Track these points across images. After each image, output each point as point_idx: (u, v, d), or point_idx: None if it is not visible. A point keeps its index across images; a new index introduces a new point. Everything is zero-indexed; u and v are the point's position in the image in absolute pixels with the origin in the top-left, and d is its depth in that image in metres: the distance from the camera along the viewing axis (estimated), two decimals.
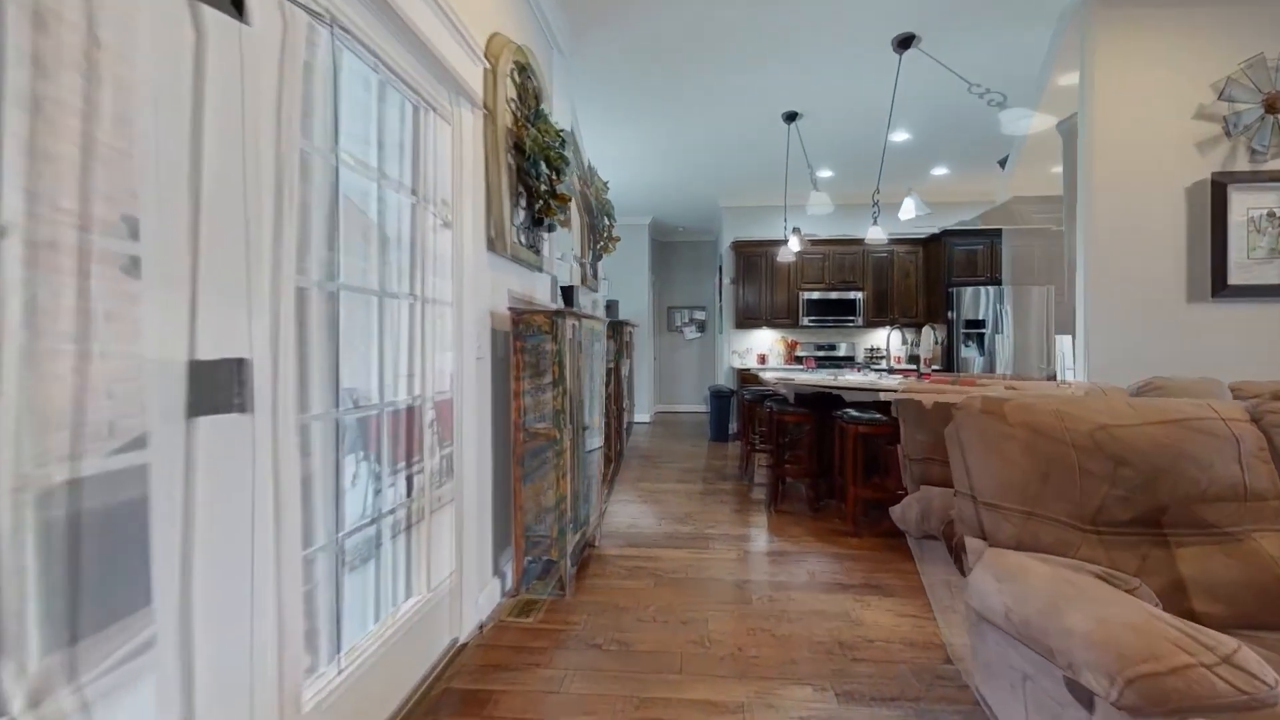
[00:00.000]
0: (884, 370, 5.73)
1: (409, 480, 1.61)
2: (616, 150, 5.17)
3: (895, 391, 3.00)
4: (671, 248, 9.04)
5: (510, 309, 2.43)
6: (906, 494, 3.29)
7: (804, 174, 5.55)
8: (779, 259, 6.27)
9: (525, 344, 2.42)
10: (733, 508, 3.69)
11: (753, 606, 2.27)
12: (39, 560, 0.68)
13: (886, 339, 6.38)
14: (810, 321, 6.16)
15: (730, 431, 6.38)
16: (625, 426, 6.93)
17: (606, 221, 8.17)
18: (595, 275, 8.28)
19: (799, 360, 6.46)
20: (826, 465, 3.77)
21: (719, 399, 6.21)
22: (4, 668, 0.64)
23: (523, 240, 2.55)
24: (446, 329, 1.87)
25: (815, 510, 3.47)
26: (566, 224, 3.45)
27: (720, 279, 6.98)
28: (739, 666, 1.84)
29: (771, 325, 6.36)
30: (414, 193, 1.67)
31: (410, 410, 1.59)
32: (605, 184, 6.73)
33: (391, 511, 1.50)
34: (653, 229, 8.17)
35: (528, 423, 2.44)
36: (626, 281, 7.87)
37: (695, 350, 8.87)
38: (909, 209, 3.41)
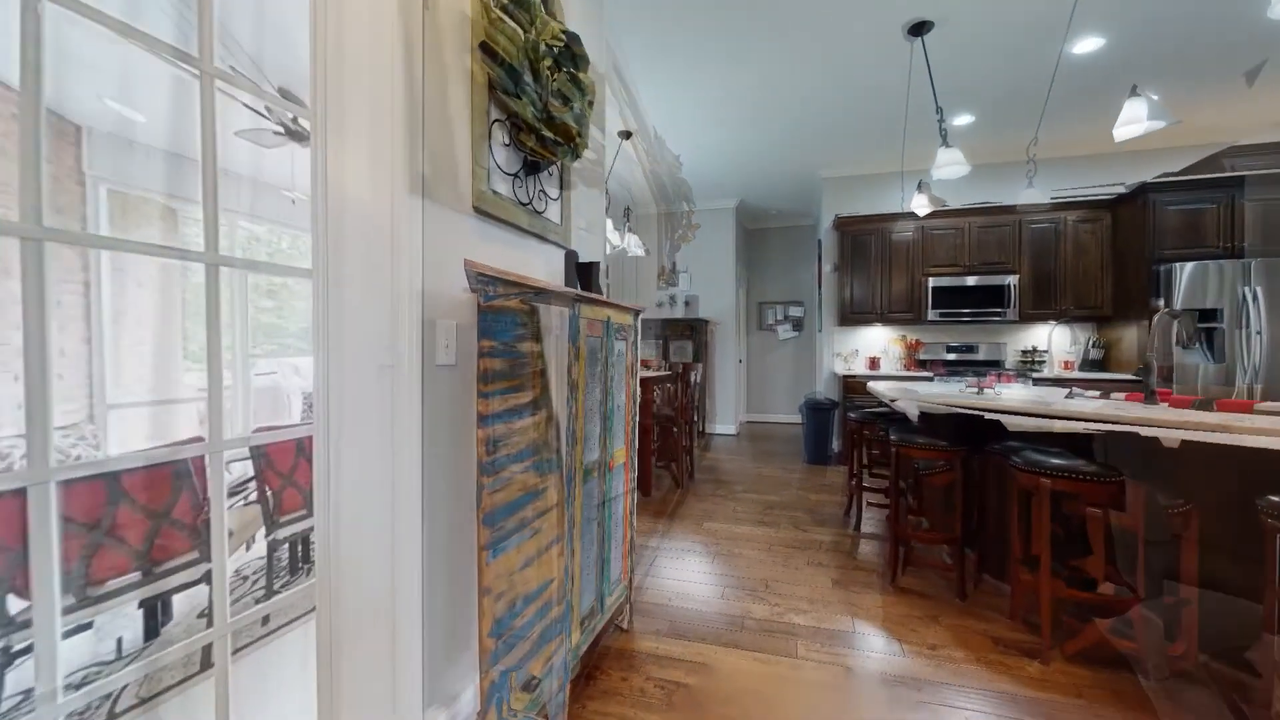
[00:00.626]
0: (1049, 380, 4.26)
1: (158, 605, 0.83)
2: (688, 115, 4.24)
3: (1115, 422, 1.79)
4: (763, 235, 7.91)
5: (473, 290, 1.61)
6: (1133, 596, 2.02)
7: (930, 124, 4.25)
8: (896, 236, 4.99)
9: (494, 343, 1.60)
10: (831, 574, 2.62)
11: None
12: None
13: (1048, 338, 4.84)
14: (939, 315, 4.80)
15: (831, 451, 5.18)
16: (697, 442, 5.94)
17: (686, 207, 7.26)
18: (673, 268, 7.40)
19: (922, 365, 5.10)
20: (977, 524, 2.57)
21: (817, 413, 5.04)
22: None
23: (500, 191, 1.74)
24: (299, 317, 1.10)
25: (963, 596, 2.30)
26: (598, 187, 2.61)
27: (820, 267, 5.79)
28: None
29: (886, 321, 5.07)
30: (193, 62, 0.89)
31: (158, 471, 0.83)
32: (678, 160, 5.83)
33: (78, 684, 0.73)
34: (740, 214, 7.12)
35: (498, 463, 1.61)
36: (709, 274, 6.91)
37: (790, 352, 7.67)
38: (1135, 118, 2.10)
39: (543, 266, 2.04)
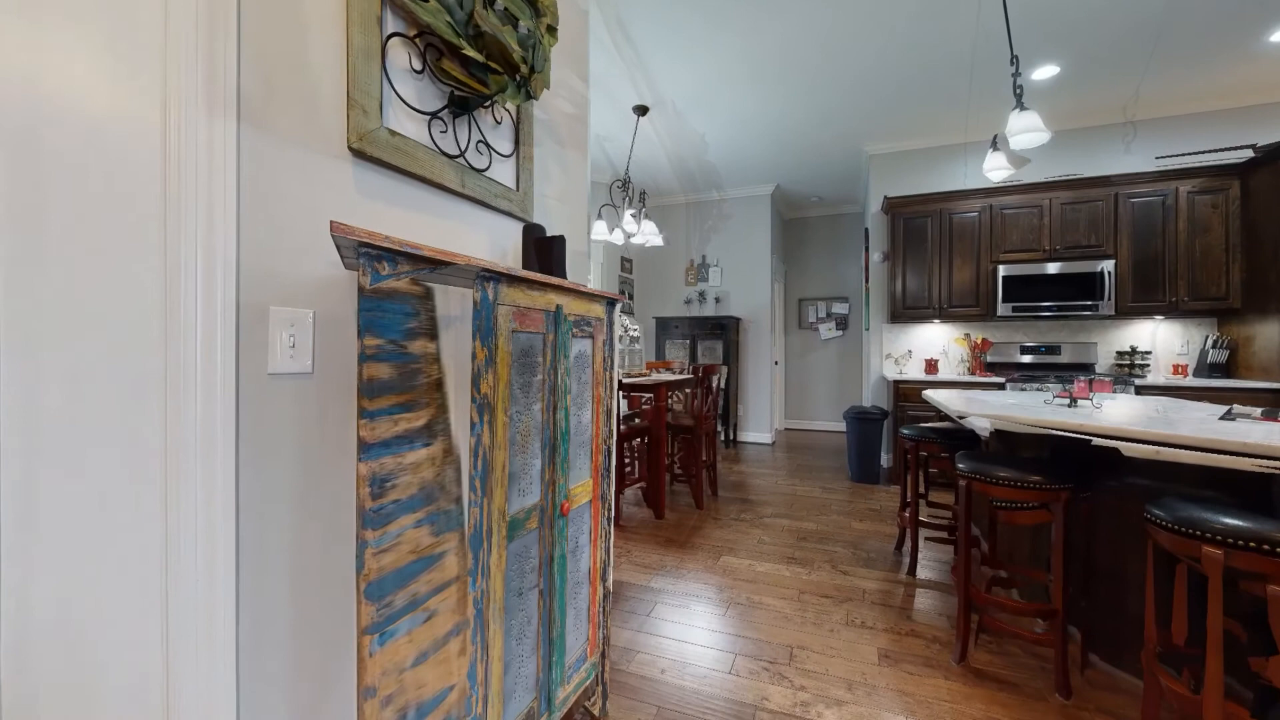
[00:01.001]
0: (1156, 388, 3.47)
1: None
2: (711, 84, 3.69)
3: None
4: (803, 225, 7.23)
5: (348, 265, 1.15)
6: None
7: (1000, 81, 3.55)
8: (959, 217, 4.26)
9: (381, 341, 1.13)
10: (878, 642, 2.02)
11: None
12: None
13: (1152, 336, 4.01)
14: (1012, 310, 4.05)
15: (879, 467, 4.50)
16: (725, 454, 5.32)
17: (715, 194, 6.67)
18: (702, 262, 6.82)
19: (991, 369, 4.35)
20: (1081, 586, 1.91)
21: (863, 424, 4.38)
22: None
23: (404, 133, 1.27)
24: None
25: (1067, 691, 1.66)
26: (578, 150, 2.11)
27: (867, 257, 5.10)
28: None
29: (946, 318, 4.35)
30: None
31: None
32: (703, 139, 5.25)
33: None
34: (777, 201, 6.48)
35: (387, 511, 1.14)
36: (742, 268, 6.31)
37: (834, 353, 6.96)
38: None
39: (486, 243, 1.56)
